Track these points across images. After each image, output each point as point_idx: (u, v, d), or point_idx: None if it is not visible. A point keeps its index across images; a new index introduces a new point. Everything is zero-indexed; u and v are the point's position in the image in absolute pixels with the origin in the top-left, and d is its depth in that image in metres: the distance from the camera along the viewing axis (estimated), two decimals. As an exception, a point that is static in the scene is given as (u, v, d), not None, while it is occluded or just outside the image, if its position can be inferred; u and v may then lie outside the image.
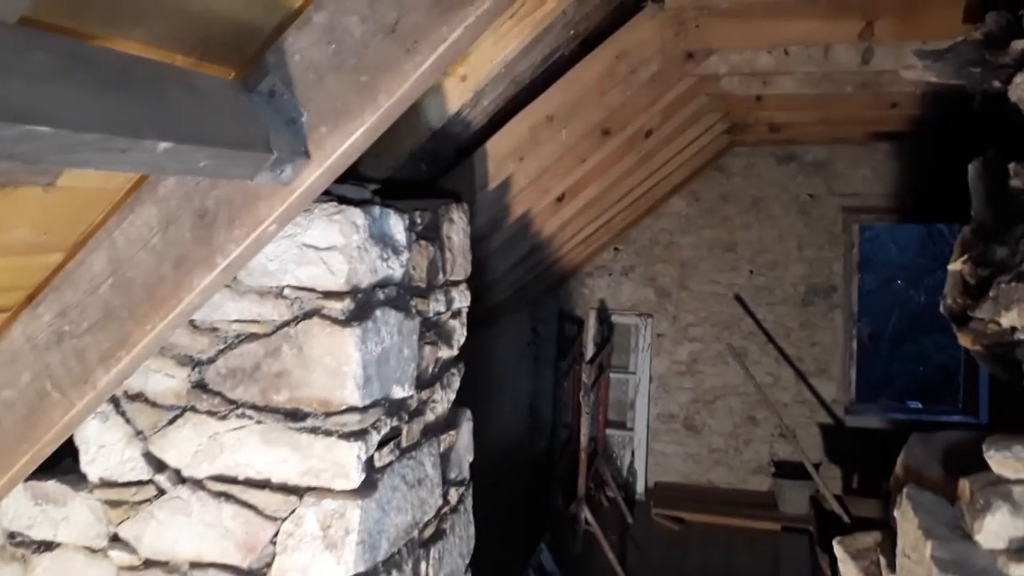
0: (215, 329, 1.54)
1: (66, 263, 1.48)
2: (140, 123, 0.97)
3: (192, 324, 1.55)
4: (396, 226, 1.64)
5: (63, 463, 1.67)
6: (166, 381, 1.56)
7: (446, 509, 1.92)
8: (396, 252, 1.64)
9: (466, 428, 2.06)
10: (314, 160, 1.32)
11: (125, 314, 1.44)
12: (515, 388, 5.58)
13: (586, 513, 4.60)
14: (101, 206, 1.43)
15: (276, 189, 1.35)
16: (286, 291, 1.51)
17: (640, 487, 5.66)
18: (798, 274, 5.67)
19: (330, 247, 1.48)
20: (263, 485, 1.53)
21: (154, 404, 1.57)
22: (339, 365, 1.48)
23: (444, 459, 1.91)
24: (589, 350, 5.09)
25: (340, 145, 1.33)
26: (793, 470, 5.30)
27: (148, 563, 1.58)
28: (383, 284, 1.61)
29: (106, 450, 1.58)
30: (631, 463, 5.73)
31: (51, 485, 1.62)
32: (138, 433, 1.58)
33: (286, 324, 1.50)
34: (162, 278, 1.42)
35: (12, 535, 1.65)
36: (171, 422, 1.56)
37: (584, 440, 4.66)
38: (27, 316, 1.47)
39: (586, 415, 4.68)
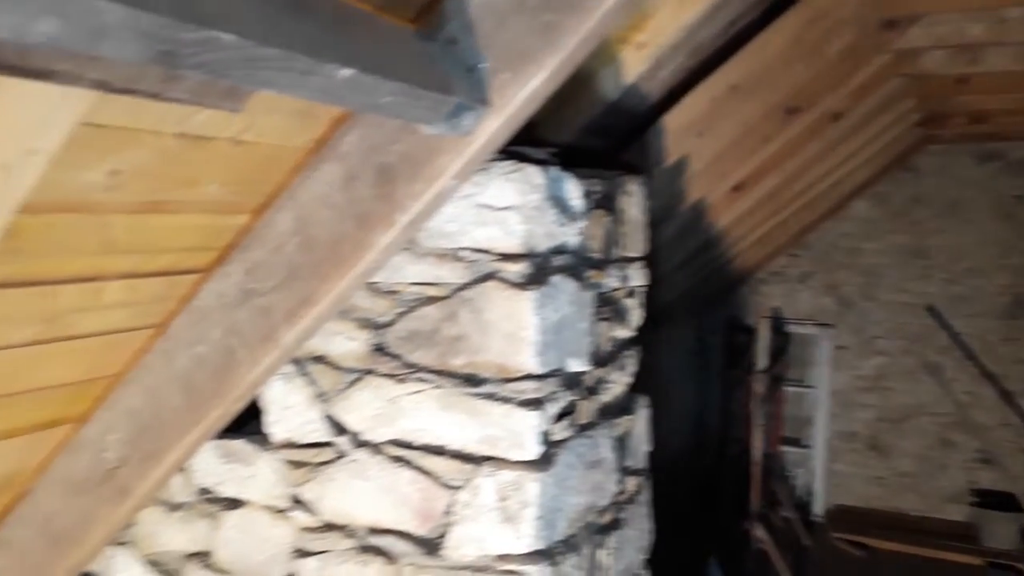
0: (395, 292, 1.53)
1: (252, 224, 1.52)
2: (323, 47, 0.95)
3: (373, 287, 1.55)
4: (573, 191, 1.56)
5: (249, 426, 1.72)
6: (347, 344, 1.57)
7: (623, 498, 1.81)
8: (572, 218, 1.57)
9: (643, 415, 1.94)
10: (495, 108, 1.27)
11: (309, 272, 1.45)
12: (679, 398, 5.36)
13: (760, 530, 4.31)
14: (285, 165, 1.46)
15: (456, 142, 1.31)
16: (463, 253, 1.47)
17: (817, 508, 5.25)
18: (1002, 283, 5.07)
19: (507, 207, 1.43)
20: (439, 451, 1.49)
21: (336, 366, 1.58)
22: (517, 330, 1.42)
23: (620, 444, 1.80)
24: (762, 359, 4.79)
25: (522, 92, 1.27)
26: (998, 500, 4.72)
27: (328, 526, 1.59)
28: (559, 251, 1.54)
29: (289, 411, 1.61)
30: (807, 482, 5.33)
31: (238, 444, 1.67)
32: (320, 395, 1.59)
33: (463, 287, 1.46)
34: (344, 236, 1.42)
35: (203, 491, 1.73)
36: (352, 384, 1.56)
37: (757, 454, 4.38)
38: (218, 275, 1.53)
39: (759, 428, 4.40)
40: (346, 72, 0.97)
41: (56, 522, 1.70)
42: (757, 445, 4.37)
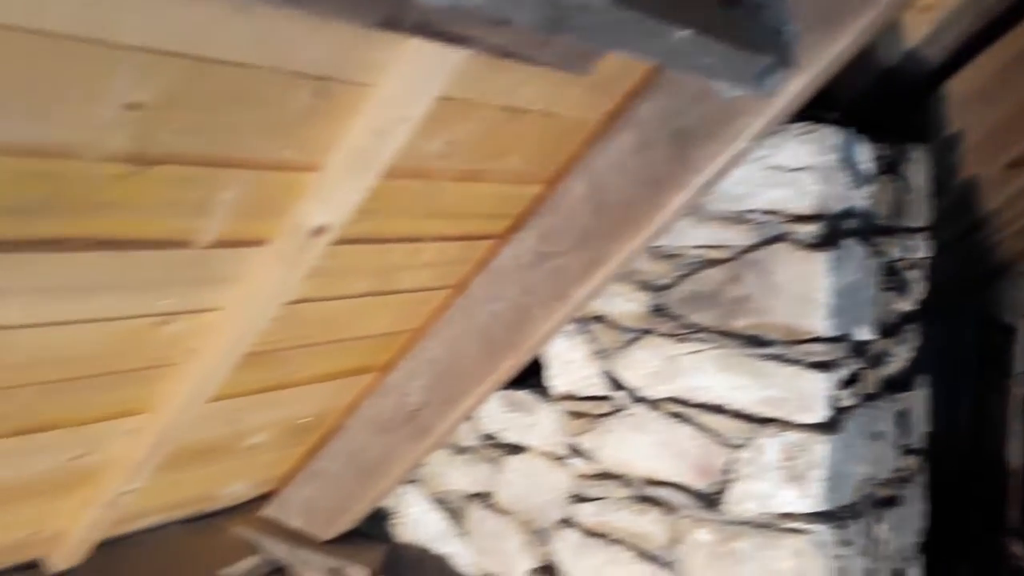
0: (675, 255, 1.59)
1: (545, 193, 1.65)
2: (665, 10, 1.03)
3: (653, 251, 1.62)
4: (864, 154, 1.54)
5: (529, 380, 1.86)
6: (626, 304, 1.66)
7: (901, 475, 1.75)
8: (862, 182, 1.54)
9: (922, 394, 1.86)
10: (800, 70, 1.29)
11: (600, 235, 1.55)
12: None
13: (1018, 547, 3.90)
14: (579, 136, 1.57)
15: (757, 103, 1.35)
16: (750, 215, 1.50)
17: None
18: None
19: (801, 168, 1.44)
20: (718, 410, 1.54)
21: (615, 325, 1.68)
22: (807, 291, 1.43)
23: (900, 420, 1.75)
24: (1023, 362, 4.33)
25: (827, 53, 1.28)
26: None
27: (605, 474, 1.69)
28: (848, 214, 1.52)
29: (570, 366, 1.73)
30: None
31: (522, 395, 1.82)
32: (600, 352, 1.70)
33: (749, 249, 1.50)
34: (636, 200, 1.51)
35: (487, 436, 1.90)
36: (631, 343, 1.65)
37: (1015, 465, 3.97)
38: (514, 240, 1.68)
39: (1018, 436, 3.98)
40: (684, 33, 1.04)
41: (363, 456, 1.95)
42: (1016, 456, 3.96)
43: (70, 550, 1.83)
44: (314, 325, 1.63)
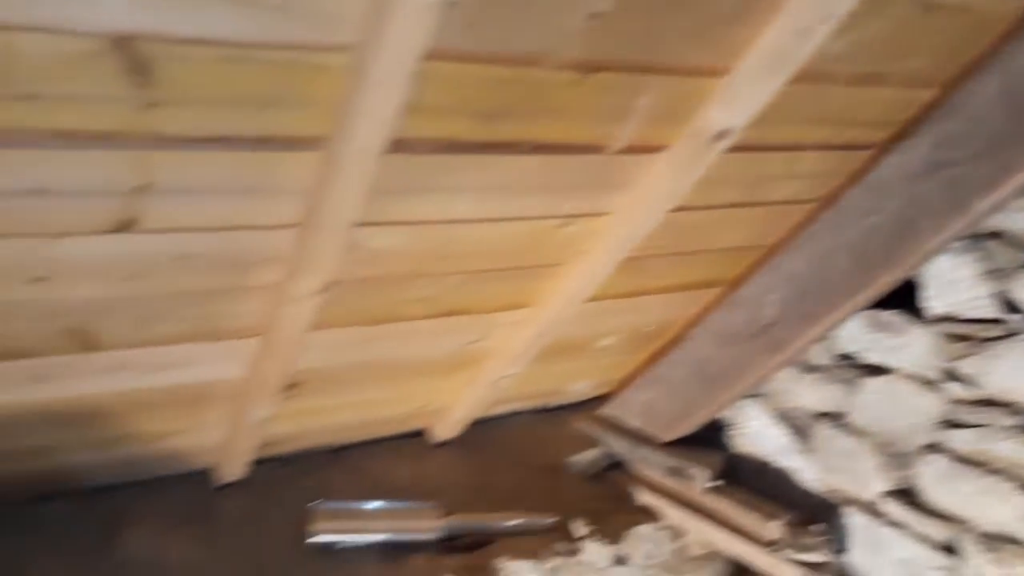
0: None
1: (940, 97, 1.53)
2: None
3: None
4: None
5: (891, 300, 1.78)
6: (1032, 221, 1.51)
7: None
8: None
9: None
10: None
11: (1013, 141, 1.42)
12: None
13: None
14: (992, 33, 1.43)
15: None
16: None
17: None
18: None
19: None
20: None
21: (1014, 244, 1.54)
22: None
23: None
24: None
25: None
26: None
27: (986, 401, 1.59)
28: None
29: (953, 286, 1.63)
30: None
31: (889, 315, 1.75)
32: (993, 272, 1.57)
33: None
34: (1066, 100, 1.35)
35: (844, 356, 1.86)
36: (1034, 263, 1.51)
37: None
38: (899, 149, 1.58)
39: None
40: None
41: (708, 367, 2.01)
42: None
43: (450, 424, 2.12)
44: (682, 234, 1.69)
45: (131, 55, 0.88)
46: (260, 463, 1.90)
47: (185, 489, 1.86)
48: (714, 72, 1.27)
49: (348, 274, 1.37)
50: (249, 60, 0.94)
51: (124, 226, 1.11)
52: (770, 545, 1.90)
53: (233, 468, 1.85)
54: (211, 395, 1.60)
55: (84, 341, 1.32)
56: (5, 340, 1.25)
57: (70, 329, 1.28)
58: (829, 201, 1.71)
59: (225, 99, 0.98)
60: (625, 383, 2.25)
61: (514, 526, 1.95)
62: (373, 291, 1.48)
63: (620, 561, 2.01)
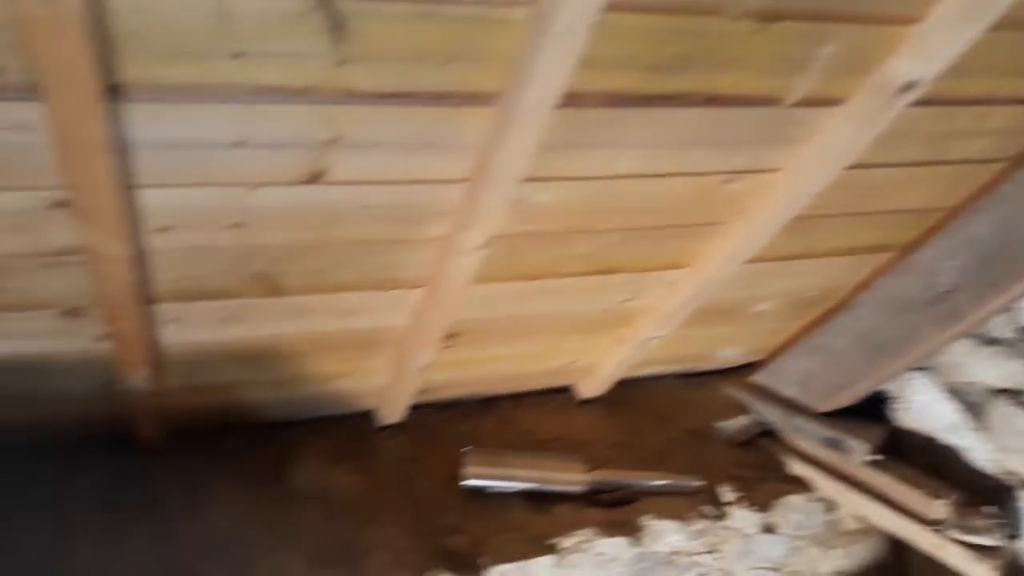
0: None
1: None
2: None
3: None
4: None
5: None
6: None
7: None
8: None
9: None
10: None
11: None
12: None
13: None
14: None
15: None
16: None
17: None
18: None
19: None
20: None
21: None
22: None
23: None
24: None
25: None
26: None
27: None
28: None
29: None
30: None
31: (1089, 286, 1.60)
32: None
33: None
34: None
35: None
36: None
37: None
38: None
39: None
40: None
41: (874, 336, 1.91)
42: None
43: (596, 382, 2.14)
44: (856, 194, 1.60)
45: (332, 13, 0.93)
46: (417, 408, 2.00)
47: (349, 428, 1.99)
48: (905, 20, 1.19)
49: (511, 229, 1.40)
50: (438, 16, 0.97)
51: (314, 178, 1.18)
52: (934, 524, 1.80)
53: (393, 411, 1.96)
54: (378, 341, 1.70)
55: (270, 286, 1.43)
56: (202, 281, 1.38)
57: (259, 274, 1.39)
58: (1020, 161, 1.57)
59: (411, 55, 1.02)
60: (780, 350, 2.18)
61: (659, 486, 1.96)
62: (533, 246, 1.51)
63: (768, 529, 1.97)
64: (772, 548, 1.95)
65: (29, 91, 0.93)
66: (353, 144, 1.14)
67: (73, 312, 1.35)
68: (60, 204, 1.11)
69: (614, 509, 1.92)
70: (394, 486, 1.89)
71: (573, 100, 1.13)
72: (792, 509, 1.99)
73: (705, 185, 1.46)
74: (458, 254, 1.39)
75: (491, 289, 1.59)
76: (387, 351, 1.75)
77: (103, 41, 0.90)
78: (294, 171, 1.17)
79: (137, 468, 1.77)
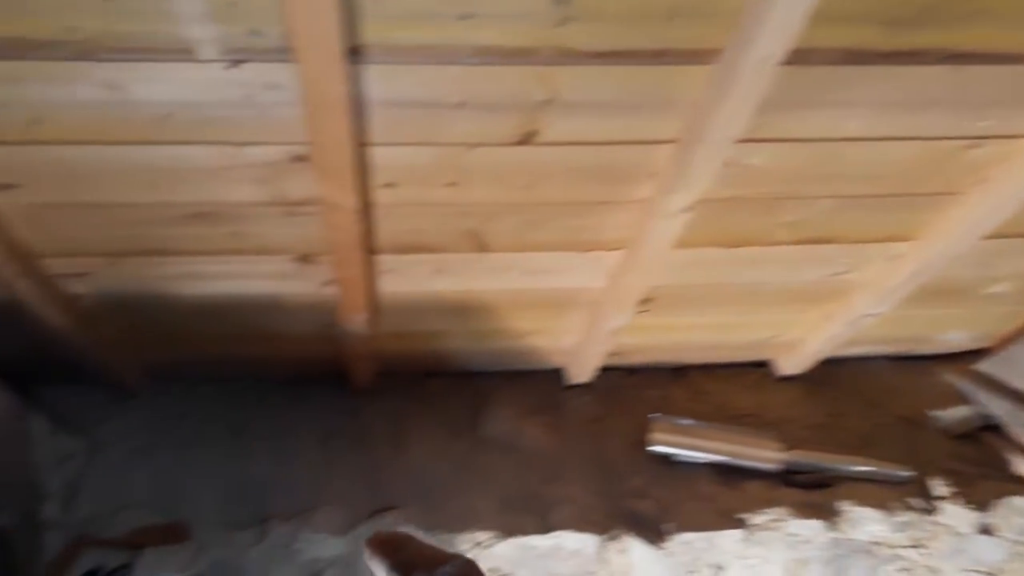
0: None
1: None
2: None
3: None
4: None
5: None
6: None
7: None
8: None
9: None
10: None
11: None
12: None
13: None
14: None
15: None
16: None
17: None
18: None
19: None
20: None
21: None
22: None
23: None
24: None
25: None
26: None
27: None
28: None
29: None
30: None
31: None
32: None
33: None
34: None
35: None
36: None
37: None
38: None
39: None
40: None
41: None
42: None
43: (798, 359, 2.04)
44: None
45: (559, -28, 0.94)
46: (606, 370, 2.01)
47: (539, 384, 2.05)
48: None
49: (718, 192, 1.36)
50: (663, -30, 0.95)
51: (527, 138, 1.21)
52: None
53: (583, 371, 1.99)
54: (573, 302, 1.72)
55: (478, 242, 1.49)
56: (418, 236, 1.46)
57: (468, 231, 1.46)
58: None
59: (632, 12, 1.01)
60: (1012, 337, 1.96)
61: (862, 472, 1.84)
62: (739, 211, 1.46)
63: (985, 530, 1.80)
64: (989, 551, 1.78)
65: (283, 53, 1.03)
66: (566, 105, 1.15)
67: (304, 258, 1.48)
68: (300, 159, 1.22)
69: (810, 491, 1.83)
70: (581, 444, 1.93)
71: (801, 57, 1.06)
72: (1016, 511, 1.80)
73: (942, 151, 1.33)
74: (661, 217, 1.37)
75: (692, 255, 1.56)
76: (581, 312, 1.77)
77: (347, 6, 0.97)
78: (507, 132, 1.20)
79: (349, 405, 1.94)
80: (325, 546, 1.67)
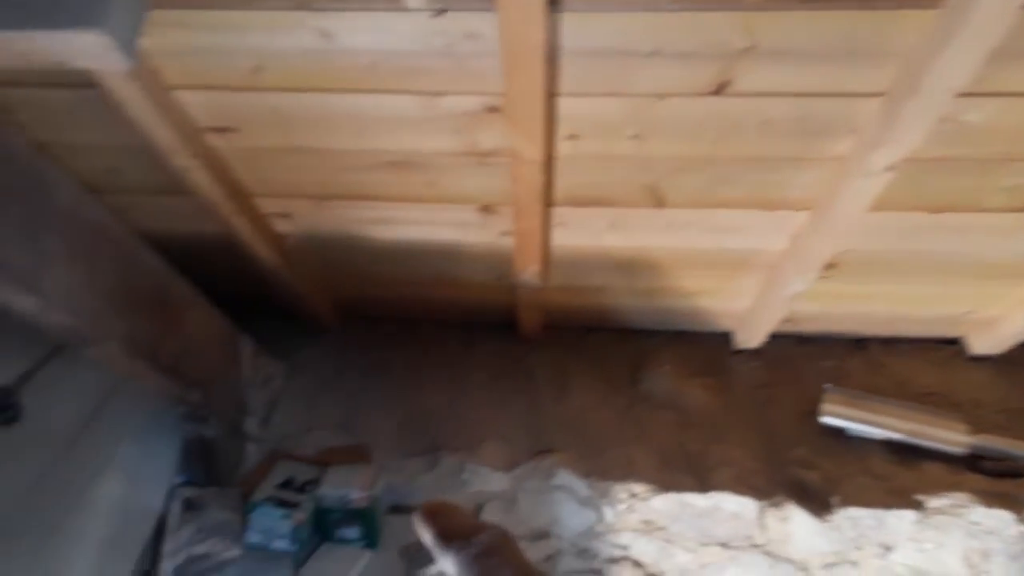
0: None
1: None
2: None
3: None
4: None
5: None
6: None
7: None
8: None
9: None
10: None
11: None
12: None
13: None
14: None
15: None
16: None
17: None
18: None
19: None
20: None
21: None
22: None
23: None
24: None
25: None
26: None
27: None
28: None
29: None
30: None
31: None
32: None
33: None
34: None
35: None
36: None
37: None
38: None
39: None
40: None
41: None
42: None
43: (997, 338, 1.87)
44: None
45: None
46: (777, 337, 1.94)
47: (704, 346, 2.02)
48: None
49: (927, 152, 1.26)
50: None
51: (719, 89, 1.17)
52: None
53: (752, 336, 1.93)
54: (750, 263, 1.67)
55: (656, 197, 1.47)
56: (596, 189, 1.46)
57: (648, 185, 1.44)
58: None
59: (852, -48, 0.94)
60: None
61: (1063, 465, 1.68)
62: (948, 173, 1.34)
63: None
64: None
65: (485, 1, 1.05)
66: (766, 53, 1.10)
67: (487, 208, 1.53)
68: (493, 109, 1.25)
69: (999, 479, 1.70)
70: (745, 409, 1.88)
71: (1044, -1, 0.95)
72: None
73: None
74: (859, 176, 1.29)
75: (888, 218, 1.46)
76: (757, 274, 1.71)
77: (552, -47, 0.98)
78: (701, 82, 1.17)
79: (517, 351, 2.00)
80: (490, 480, 1.75)
